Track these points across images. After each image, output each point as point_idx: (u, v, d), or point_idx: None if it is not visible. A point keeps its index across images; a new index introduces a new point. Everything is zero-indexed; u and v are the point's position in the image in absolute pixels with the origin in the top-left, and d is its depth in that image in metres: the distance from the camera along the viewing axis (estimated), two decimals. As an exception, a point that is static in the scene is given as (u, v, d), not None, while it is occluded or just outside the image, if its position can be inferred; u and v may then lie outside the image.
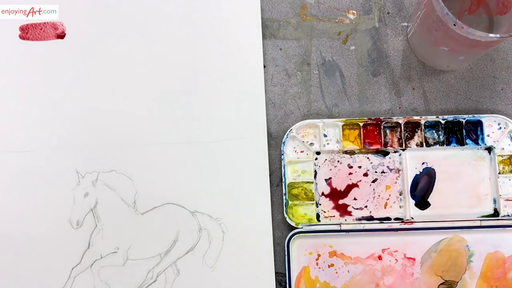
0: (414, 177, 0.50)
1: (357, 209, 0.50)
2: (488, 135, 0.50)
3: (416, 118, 0.50)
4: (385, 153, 0.51)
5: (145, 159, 0.50)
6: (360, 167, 0.51)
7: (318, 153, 0.51)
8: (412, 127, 0.51)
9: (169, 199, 0.50)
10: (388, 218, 0.50)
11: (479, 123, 0.50)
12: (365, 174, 0.51)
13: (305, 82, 0.53)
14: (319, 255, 0.50)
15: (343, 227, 0.49)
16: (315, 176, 0.50)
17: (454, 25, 0.42)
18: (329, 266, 0.49)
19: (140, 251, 0.49)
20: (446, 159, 0.51)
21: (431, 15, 0.45)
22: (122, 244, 0.49)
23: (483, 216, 0.49)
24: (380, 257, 0.50)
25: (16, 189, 0.49)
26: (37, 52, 0.51)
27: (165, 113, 0.51)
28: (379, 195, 0.50)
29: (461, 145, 0.50)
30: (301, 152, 0.51)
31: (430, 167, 0.50)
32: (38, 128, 0.50)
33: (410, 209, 0.50)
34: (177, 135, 0.50)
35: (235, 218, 0.49)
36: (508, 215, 0.49)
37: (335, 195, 0.50)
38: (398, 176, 0.51)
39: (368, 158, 0.51)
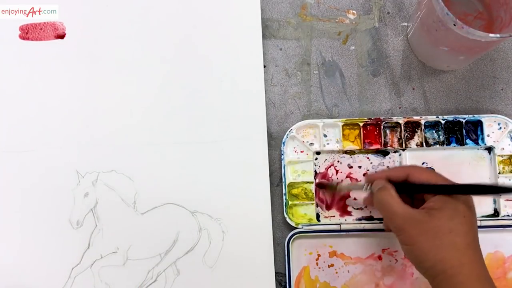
0: (414, 177, 0.50)
1: (357, 209, 0.50)
2: (488, 135, 0.50)
3: (416, 118, 0.50)
4: (385, 153, 0.51)
5: (145, 159, 0.50)
6: (360, 167, 0.51)
7: (318, 153, 0.51)
8: (412, 127, 0.51)
9: (169, 199, 0.50)
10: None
11: (479, 123, 0.50)
12: (365, 174, 0.51)
13: (305, 82, 0.53)
14: (319, 255, 0.50)
15: (343, 227, 0.49)
16: (315, 176, 0.50)
17: (454, 25, 0.42)
18: (329, 266, 0.49)
19: (140, 251, 0.49)
20: (446, 159, 0.51)
21: (431, 15, 0.45)
22: (122, 244, 0.49)
23: (483, 216, 0.49)
24: (380, 257, 0.50)
25: (16, 189, 0.49)
26: (37, 52, 0.51)
27: (165, 113, 0.51)
28: (379, 195, 0.50)
29: (461, 145, 0.50)
30: (301, 152, 0.51)
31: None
32: (38, 128, 0.50)
33: (410, 209, 0.50)
34: (177, 135, 0.50)
35: (235, 218, 0.49)
36: (508, 215, 0.49)
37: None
38: (398, 176, 0.51)
39: (368, 158, 0.51)
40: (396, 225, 0.39)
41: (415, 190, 0.41)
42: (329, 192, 0.50)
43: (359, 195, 0.50)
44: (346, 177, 0.51)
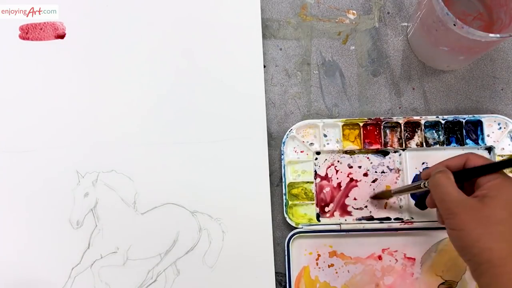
0: (414, 177, 0.50)
1: (357, 209, 0.50)
2: (488, 135, 0.50)
3: (416, 118, 0.50)
4: (385, 153, 0.51)
5: (145, 159, 0.50)
6: (360, 167, 0.51)
7: (318, 153, 0.51)
8: (412, 127, 0.51)
9: (169, 199, 0.50)
10: (388, 218, 0.50)
11: (479, 123, 0.50)
12: (365, 174, 0.51)
13: (305, 82, 0.53)
14: (319, 255, 0.50)
15: (343, 227, 0.49)
16: (315, 176, 0.50)
17: (454, 25, 0.42)
18: (329, 266, 0.49)
19: (140, 251, 0.49)
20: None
21: (431, 15, 0.45)
22: (122, 244, 0.49)
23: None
24: (380, 257, 0.50)
25: (16, 189, 0.49)
26: (37, 52, 0.51)
27: (165, 113, 0.51)
28: (379, 195, 0.50)
29: (461, 145, 0.50)
30: (301, 152, 0.51)
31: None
32: (38, 128, 0.50)
33: (410, 209, 0.50)
34: (177, 135, 0.50)
35: (235, 218, 0.49)
36: (508, 215, 0.49)
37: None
38: (398, 176, 0.51)
39: (368, 158, 0.51)
40: (448, 207, 0.38)
41: (473, 174, 0.40)
42: (385, 198, 0.50)
43: (361, 195, 0.50)
44: (346, 176, 0.51)
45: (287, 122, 0.52)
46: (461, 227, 0.37)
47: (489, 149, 0.50)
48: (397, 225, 0.49)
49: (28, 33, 0.52)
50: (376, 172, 0.51)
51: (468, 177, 0.40)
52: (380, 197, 0.50)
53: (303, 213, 0.50)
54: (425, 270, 0.49)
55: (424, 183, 0.42)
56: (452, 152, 0.50)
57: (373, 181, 0.50)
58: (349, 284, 0.49)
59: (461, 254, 0.38)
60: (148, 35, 0.52)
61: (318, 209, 0.50)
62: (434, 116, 0.50)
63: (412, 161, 0.50)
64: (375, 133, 0.51)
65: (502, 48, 0.53)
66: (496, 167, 0.38)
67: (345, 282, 0.49)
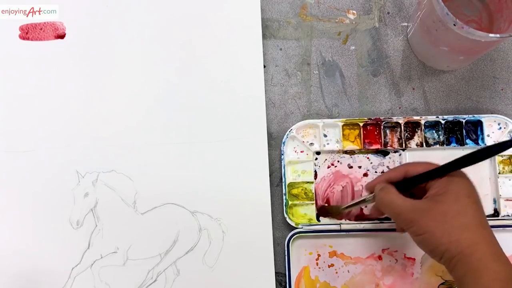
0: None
1: (357, 209, 0.50)
2: (488, 135, 0.50)
3: (416, 118, 0.50)
4: (385, 153, 0.51)
5: (145, 159, 0.50)
6: (360, 167, 0.51)
7: (318, 153, 0.51)
8: (412, 127, 0.51)
9: (169, 199, 0.50)
10: (388, 218, 0.50)
11: (479, 123, 0.50)
12: (365, 174, 0.51)
13: (305, 82, 0.53)
14: (319, 255, 0.50)
15: (343, 227, 0.49)
16: (315, 176, 0.50)
17: (454, 25, 0.42)
18: (329, 266, 0.49)
19: (140, 251, 0.49)
20: (446, 159, 0.50)
21: (431, 15, 0.45)
22: (122, 244, 0.49)
23: (483, 216, 0.49)
24: (380, 257, 0.50)
25: (16, 189, 0.49)
26: (37, 52, 0.51)
27: (165, 113, 0.51)
28: (379, 195, 0.50)
29: (461, 145, 0.50)
30: (301, 152, 0.51)
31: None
32: (38, 128, 0.50)
33: (410, 209, 0.50)
34: (177, 135, 0.50)
35: (235, 218, 0.49)
36: (508, 215, 0.49)
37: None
38: (398, 176, 0.51)
39: (368, 158, 0.51)
40: (404, 219, 0.39)
41: (415, 182, 0.41)
42: (335, 216, 0.50)
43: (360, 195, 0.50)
44: (347, 176, 0.51)
45: (287, 122, 0.52)
46: (423, 231, 0.38)
47: (489, 149, 0.50)
48: (397, 225, 0.49)
49: (28, 33, 0.52)
50: (376, 172, 0.51)
51: (411, 186, 0.41)
52: (329, 213, 0.49)
53: (303, 213, 0.50)
54: (425, 270, 0.49)
55: (369, 197, 0.43)
56: (452, 152, 0.50)
57: (373, 181, 0.50)
58: (349, 284, 0.49)
59: (433, 256, 0.39)
60: (148, 35, 0.52)
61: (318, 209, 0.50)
62: (434, 116, 0.50)
63: (411, 161, 0.50)
64: (375, 133, 0.51)
65: (502, 48, 0.53)
66: (436, 174, 0.39)
67: (345, 282, 0.49)
